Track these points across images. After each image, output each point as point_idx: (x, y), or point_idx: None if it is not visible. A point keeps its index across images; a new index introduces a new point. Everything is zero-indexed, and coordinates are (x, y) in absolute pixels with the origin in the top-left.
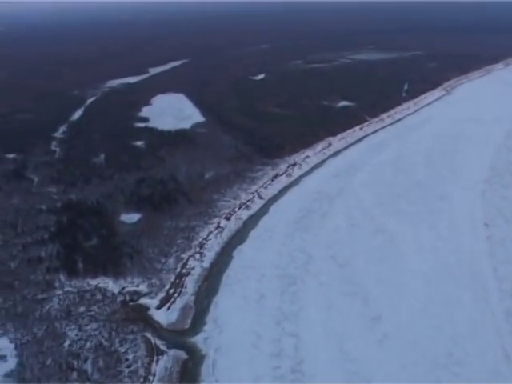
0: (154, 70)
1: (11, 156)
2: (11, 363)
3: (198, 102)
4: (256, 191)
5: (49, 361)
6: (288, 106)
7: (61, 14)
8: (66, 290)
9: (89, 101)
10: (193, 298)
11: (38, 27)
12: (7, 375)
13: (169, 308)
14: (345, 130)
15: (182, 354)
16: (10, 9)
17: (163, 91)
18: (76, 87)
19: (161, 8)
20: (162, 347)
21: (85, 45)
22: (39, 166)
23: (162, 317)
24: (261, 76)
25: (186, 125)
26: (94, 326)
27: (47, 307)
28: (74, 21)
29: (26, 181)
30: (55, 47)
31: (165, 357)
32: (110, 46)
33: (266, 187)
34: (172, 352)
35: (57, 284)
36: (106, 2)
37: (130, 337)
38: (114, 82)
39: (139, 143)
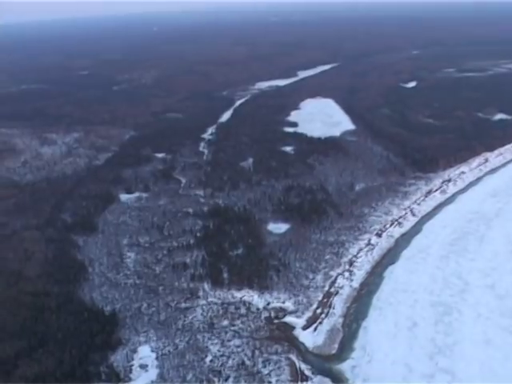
0: (302, 74)
1: (160, 155)
2: (152, 374)
3: (348, 109)
4: (409, 207)
5: (189, 376)
6: (441, 117)
7: (213, 14)
8: (209, 300)
9: (237, 102)
10: (341, 320)
11: (189, 27)
12: None
13: (315, 329)
14: (503, 145)
15: (328, 382)
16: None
17: (312, 95)
18: (225, 88)
19: (310, 8)
20: (307, 372)
21: (235, 45)
22: (187, 167)
23: (308, 338)
24: (412, 84)
25: (336, 132)
26: (237, 342)
27: (190, 317)
28: (227, 21)
29: (173, 182)
30: (205, 47)
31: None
32: (259, 47)
33: (419, 203)
34: (317, 379)
35: (201, 293)
36: (257, 3)
37: (274, 358)
38: (263, 84)
39: (288, 149)
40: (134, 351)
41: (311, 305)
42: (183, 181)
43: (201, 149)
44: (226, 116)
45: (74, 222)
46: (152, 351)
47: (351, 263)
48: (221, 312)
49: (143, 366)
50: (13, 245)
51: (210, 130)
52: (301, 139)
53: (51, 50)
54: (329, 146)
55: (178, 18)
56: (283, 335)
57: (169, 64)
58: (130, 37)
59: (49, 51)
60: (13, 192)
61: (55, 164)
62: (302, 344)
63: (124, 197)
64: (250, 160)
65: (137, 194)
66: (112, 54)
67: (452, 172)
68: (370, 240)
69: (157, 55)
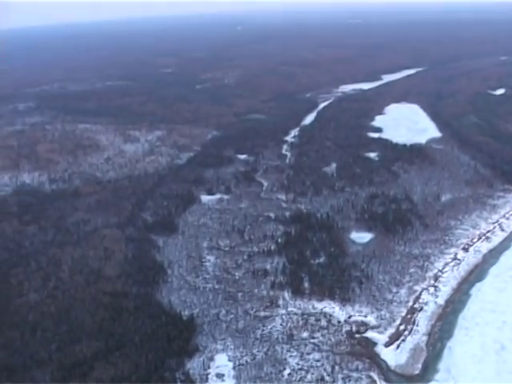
0: (387, 77)
1: (242, 157)
2: None
3: (434, 115)
4: (497, 221)
5: None
6: None
7: (293, 14)
8: (289, 310)
9: (321, 105)
10: (425, 338)
11: (272, 27)
12: None
13: (398, 347)
14: None
15: None
16: (249, 9)
17: (397, 100)
18: (309, 90)
19: (395, 9)
20: None
21: (319, 47)
22: (269, 169)
23: (390, 356)
24: (501, 91)
25: (421, 139)
26: (317, 356)
27: (269, 327)
28: (309, 22)
29: (255, 184)
30: (289, 48)
31: None
32: (343, 49)
33: (508, 218)
34: None
35: (281, 302)
36: (335, 3)
37: (355, 375)
38: (347, 88)
39: (372, 155)
40: (211, 359)
41: (394, 320)
42: (265, 184)
43: (283, 151)
44: (309, 119)
45: (155, 221)
46: (229, 360)
47: (436, 278)
48: (301, 323)
49: (220, 376)
50: (93, 243)
51: (293, 132)
52: (385, 145)
53: (137, 47)
54: (414, 154)
55: (260, 17)
56: (364, 351)
57: (252, 64)
58: (214, 36)
59: (134, 49)
60: (95, 188)
61: (137, 162)
62: (384, 362)
63: (205, 198)
64: (334, 165)
65: (218, 196)
66: (196, 53)
67: None
68: (456, 254)
69: (240, 55)
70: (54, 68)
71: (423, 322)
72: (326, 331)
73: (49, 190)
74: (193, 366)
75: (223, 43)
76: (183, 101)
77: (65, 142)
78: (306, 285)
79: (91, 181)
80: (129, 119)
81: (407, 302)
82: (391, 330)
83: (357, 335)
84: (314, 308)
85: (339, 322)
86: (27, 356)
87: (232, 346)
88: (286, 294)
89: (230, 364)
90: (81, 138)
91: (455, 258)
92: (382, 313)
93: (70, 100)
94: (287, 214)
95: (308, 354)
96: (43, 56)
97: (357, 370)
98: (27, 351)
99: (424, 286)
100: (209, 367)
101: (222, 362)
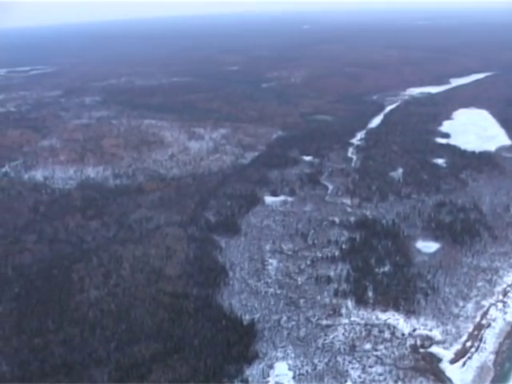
0: (455, 81)
1: (307, 158)
2: None
3: (504, 122)
4: None
5: None
6: None
7: (356, 14)
8: (352, 319)
9: (388, 108)
10: (492, 357)
11: (339, 27)
12: None
13: (464, 364)
14: None
15: None
16: (316, 9)
17: (465, 105)
18: (375, 92)
19: (465, 10)
20: None
21: (386, 48)
22: (334, 173)
23: (456, 374)
24: None
25: (491, 146)
26: (380, 369)
27: (331, 336)
28: (375, 22)
29: (320, 187)
30: (355, 48)
31: None
32: (411, 51)
33: None
34: None
35: (344, 311)
36: (402, 2)
37: None
38: (414, 91)
39: (440, 161)
40: (271, 367)
41: (460, 336)
42: (330, 187)
43: (349, 154)
44: (375, 121)
45: (217, 221)
46: (289, 369)
47: (505, 293)
48: (363, 334)
49: None
50: (155, 241)
51: (359, 135)
52: (453, 152)
53: (203, 44)
54: (483, 162)
55: (326, 17)
56: (429, 367)
57: (319, 64)
58: (281, 34)
59: (200, 46)
60: (158, 185)
61: (201, 160)
62: (449, 380)
63: (269, 199)
64: (400, 170)
65: (282, 198)
66: (262, 51)
67: None
68: None
69: (307, 54)
70: (122, 63)
71: (491, 339)
72: (389, 344)
73: (112, 185)
74: (252, 373)
75: (289, 42)
76: (249, 99)
77: (130, 137)
78: (370, 294)
79: (155, 177)
80: (194, 116)
81: (474, 317)
82: (457, 346)
83: (421, 350)
84: (377, 319)
85: (403, 334)
86: (86, 354)
87: (292, 355)
88: (350, 303)
89: (290, 373)
90: (146, 134)
91: None
92: (448, 327)
93: (136, 95)
94: (352, 219)
95: (370, 366)
96: (111, 51)
97: None
98: (86, 349)
99: (492, 301)
100: (268, 375)
101: (282, 371)
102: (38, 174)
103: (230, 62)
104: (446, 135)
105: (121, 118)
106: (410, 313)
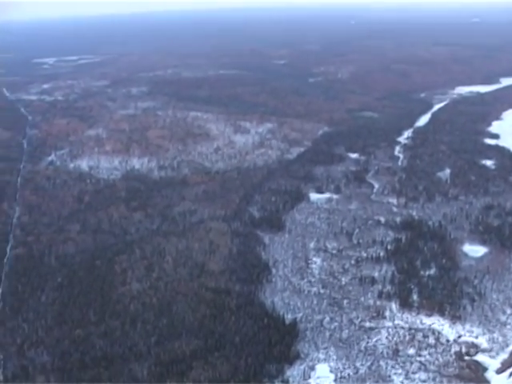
0: (505, 81)
1: (353, 156)
2: None
3: None
4: None
5: None
6: None
7: (403, 13)
8: (396, 323)
9: (436, 107)
10: None
11: (387, 23)
12: None
13: (511, 375)
14: None
15: None
16: (365, 5)
17: None
18: (423, 90)
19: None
20: None
21: (435, 45)
22: (381, 171)
23: None
24: None
25: None
26: (423, 376)
27: (374, 339)
28: (424, 19)
29: (366, 186)
30: (404, 45)
31: None
32: (460, 48)
33: None
34: None
35: (387, 314)
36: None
37: None
38: (463, 90)
39: (488, 163)
40: (312, 368)
41: (507, 345)
42: (376, 186)
43: (396, 153)
44: (423, 120)
45: (262, 217)
46: (331, 371)
47: None
48: (407, 338)
49: None
50: (199, 235)
51: (406, 133)
52: (503, 153)
53: (250, 37)
54: None
55: (373, 12)
56: (474, 376)
57: (366, 60)
58: (328, 29)
59: (248, 38)
60: (203, 179)
61: (247, 154)
62: None
63: (314, 196)
64: (448, 171)
65: (327, 195)
66: (308, 45)
67: None
68: None
69: (354, 49)
70: (168, 54)
71: None
72: (433, 350)
73: (157, 176)
74: (293, 373)
75: (336, 37)
76: (295, 94)
77: (175, 128)
78: (415, 297)
79: (199, 170)
80: (240, 109)
81: None
82: (503, 356)
83: (466, 357)
84: (421, 323)
85: (448, 341)
86: (126, 347)
87: (334, 357)
88: (394, 306)
89: (332, 376)
90: (191, 126)
91: None
92: (495, 335)
93: (183, 86)
94: (398, 219)
95: (414, 372)
96: (157, 42)
97: None
98: (126, 342)
99: None
100: (309, 377)
101: (323, 373)
102: (84, 164)
103: (277, 56)
104: (495, 136)
105: (167, 109)
106: (455, 318)
